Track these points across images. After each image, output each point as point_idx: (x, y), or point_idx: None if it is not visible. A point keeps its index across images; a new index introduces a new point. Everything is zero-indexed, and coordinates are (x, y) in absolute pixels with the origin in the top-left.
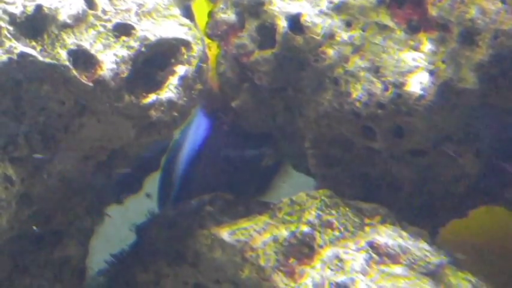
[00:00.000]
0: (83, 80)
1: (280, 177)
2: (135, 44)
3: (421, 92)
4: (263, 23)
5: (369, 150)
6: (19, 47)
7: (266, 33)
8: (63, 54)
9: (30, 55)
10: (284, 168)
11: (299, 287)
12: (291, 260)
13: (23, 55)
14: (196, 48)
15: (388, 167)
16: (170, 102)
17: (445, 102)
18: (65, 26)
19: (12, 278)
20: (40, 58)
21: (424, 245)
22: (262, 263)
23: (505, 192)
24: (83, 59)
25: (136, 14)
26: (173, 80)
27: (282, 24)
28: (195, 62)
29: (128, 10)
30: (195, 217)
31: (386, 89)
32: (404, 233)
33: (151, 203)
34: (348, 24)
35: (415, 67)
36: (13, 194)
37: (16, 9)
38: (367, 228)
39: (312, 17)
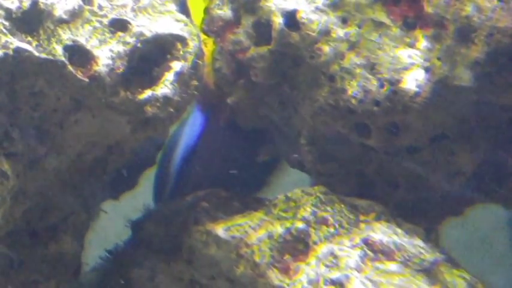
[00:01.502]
0: (78, 76)
1: (275, 173)
2: (131, 40)
3: (416, 89)
4: (259, 19)
5: (365, 147)
6: (15, 42)
7: (262, 30)
8: (58, 50)
9: (26, 50)
10: (279, 164)
11: (294, 284)
12: (286, 257)
13: (18, 50)
14: (192, 44)
15: (384, 164)
16: (166, 98)
17: (440, 99)
18: (60, 22)
19: (7, 273)
20: (36, 53)
21: (419, 242)
22: (257, 259)
23: (501, 189)
24: (79, 54)
25: (133, 9)
26: (169, 76)
27: (278, 20)
28: (190, 58)
29: (123, 6)
30: (190, 213)
31: (381, 86)
32: (399, 230)
33: (147, 198)
34: (344, 21)
35: (411, 64)
36: (8, 189)
37: (12, 5)
38: (362, 225)
39: (308, 13)
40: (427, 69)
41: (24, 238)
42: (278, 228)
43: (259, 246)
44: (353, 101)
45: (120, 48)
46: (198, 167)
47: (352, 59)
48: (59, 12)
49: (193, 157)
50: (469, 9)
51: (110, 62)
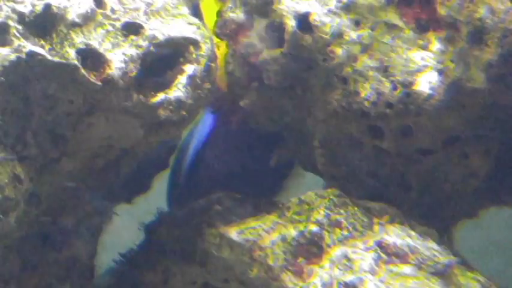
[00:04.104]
0: (91, 79)
1: (289, 176)
2: (143, 43)
3: (429, 92)
4: (272, 22)
5: (378, 149)
6: (28, 46)
7: (275, 33)
8: (71, 53)
9: (39, 54)
10: (293, 167)
11: (308, 287)
12: (300, 260)
13: (31, 54)
14: (204, 48)
15: (397, 167)
16: (179, 102)
17: (453, 101)
18: (73, 25)
19: (21, 277)
20: (49, 57)
21: (432, 245)
22: (270, 262)
23: None
24: (92, 58)
25: (145, 13)
26: (182, 79)
27: (291, 23)
28: (203, 61)
29: (136, 9)
30: (204, 216)
31: (395, 88)
32: (413, 233)
33: (160, 202)
34: (357, 24)
35: (424, 66)
36: (22, 193)
37: (25, 8)
38: (375, 228)
39: (321, 16)
40: (440, 72)
41: (37, 241)
42: (292, 231)
43: (273, 249)
44: (366, 103)
45: (133, 51)
46: (211, 170)
47: (365, 62)
48: (72, 15)
49: (206, 160)
50: (482, 11)
51: (123, 65)
